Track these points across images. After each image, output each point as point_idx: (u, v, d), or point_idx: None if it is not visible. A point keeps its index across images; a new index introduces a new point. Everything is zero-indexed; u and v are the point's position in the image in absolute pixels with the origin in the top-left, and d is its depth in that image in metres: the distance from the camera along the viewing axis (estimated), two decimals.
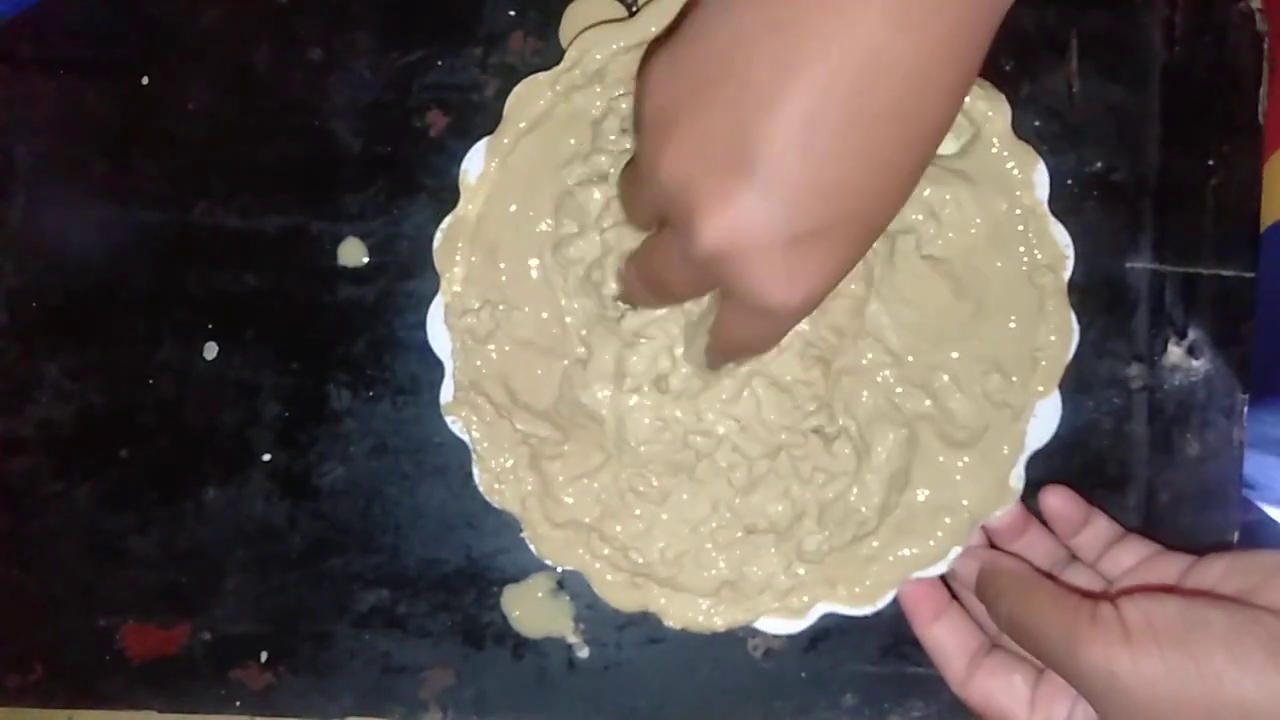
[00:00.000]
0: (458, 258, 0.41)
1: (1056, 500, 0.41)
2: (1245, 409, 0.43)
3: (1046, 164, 0.43)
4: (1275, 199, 0.43)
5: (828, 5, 0.27)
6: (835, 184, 0.28)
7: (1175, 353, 0.43)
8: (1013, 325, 0.40)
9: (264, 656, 0.44)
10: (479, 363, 0.41)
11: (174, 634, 0.44)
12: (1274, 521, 0.54)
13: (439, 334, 0.41)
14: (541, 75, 0.40)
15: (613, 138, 0.40)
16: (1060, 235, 0.40)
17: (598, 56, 0.40)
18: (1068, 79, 0.43)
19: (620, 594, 0.41)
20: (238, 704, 0.44)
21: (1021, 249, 0.40)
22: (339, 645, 0.44)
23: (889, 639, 0.43)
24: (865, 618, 0.41)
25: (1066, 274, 0.40)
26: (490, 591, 0.44)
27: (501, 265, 0.41)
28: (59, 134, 0.44)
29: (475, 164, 0.41)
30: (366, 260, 0.44)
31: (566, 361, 0.41)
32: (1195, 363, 0.43)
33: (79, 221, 0.44)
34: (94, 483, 0.44)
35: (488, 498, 0.41)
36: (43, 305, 0.44)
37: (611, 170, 0.40)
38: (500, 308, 0.41)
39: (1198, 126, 0.43)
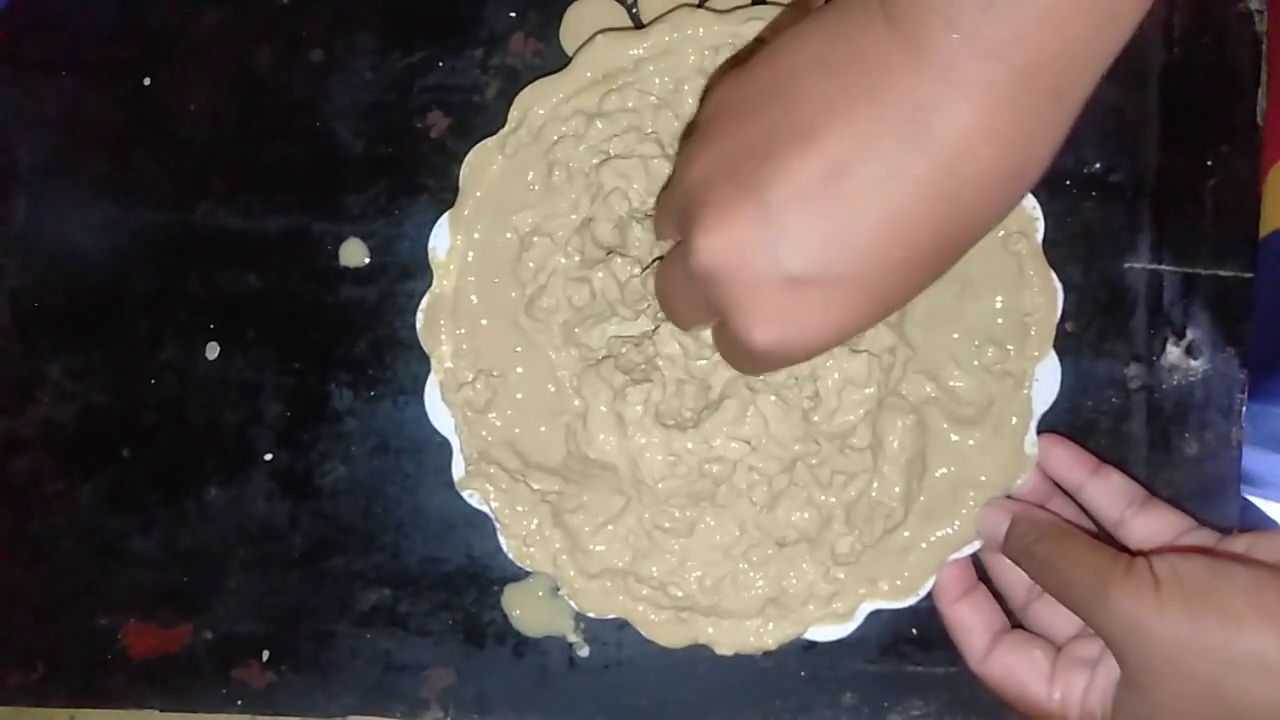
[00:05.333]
0: (442, 335, 0.41)
1: (1063, 452, 0.41)
2: (1244, 408, 0.43)
3: None
4: (1274, 208, 0.44)
5: (885, 55, 0.26)
6: (850, 234, 0.27)
7: (1174, 353, 0.43)
8: (999, 296, 0.41)
9: (265, 656, 0.44)
10: (484, 432, 0.41)
11: (176, 633, 0.44)
12: (1274, 521, 0.54)
13: (439, 412, 0.41)
14: (490, 141, 0.41)
15: (561, 187, 0.41)
16: (1025, 199, 0.41)
17: (540, 112, 0.41)
18: None
19: (667, 632, 0.41)
20: (239, 703, 0.44)
21: None
22: (340, 644, 0.44)
23: (888, 638, 0.44)
24: (905, 609, 0.41)
25: (1039, 235, 0.41)
26: (491, 590, 0.44)
27: (486, 334, 0.41)
28: (61, 135, 0.44)
29: (442, 239, 0.41)
30: (368, 261, 0.44)
31: (567, 417, 0.41)
32: (1194, 362, 0.43)
33: (81, 222, 0.44)
34: (96, 482, 0.44)
35: (520, 563, 0.41)
36: (45, 305, 0.44)
37: (570, 216, 0.41)
38: (495, 374, 0.41)
39: (1196, 127, 0.43)
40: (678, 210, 0.31)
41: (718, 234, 0.28)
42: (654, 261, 0.39)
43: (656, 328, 0.39)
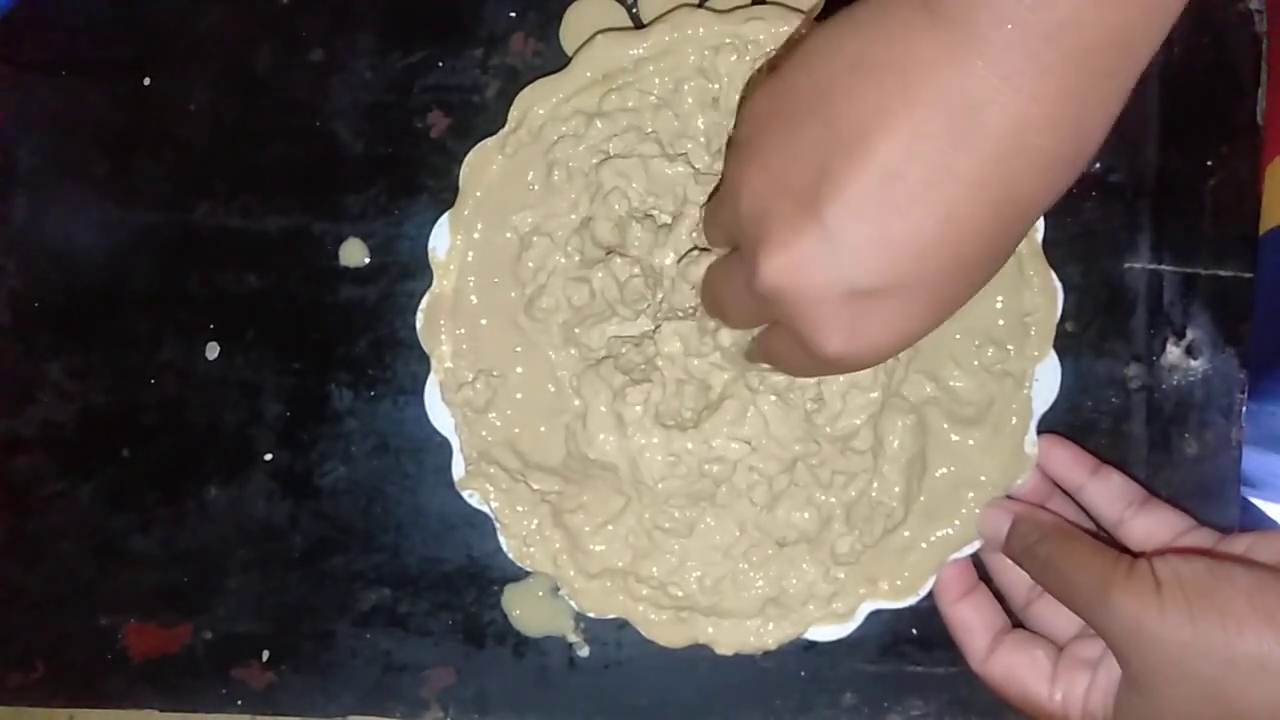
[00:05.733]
0: (442, 335, 0.41)
1: (1063, 452, 0.41)
2: (1244, 408, 0.43)
3: None
4: (1274, 204, 0.44)
5: (929, 52, 0.26)
6: (908, 241, 0.27)
7: (1174, 353, 0.43)
8: (999, 296, 0.41)
9: (265, 656, 0.44)
10: (484, 433, 0.41)
11: (176, 633, 0.44)
12: (1274, 522, 0.54)
13: (439, 412, 0.41)
14: (490, 141, 0.41)
15: (561, 186, 0.41)
16: None
17: (540, 112, 0.41)
18: None
19: (668, 632, 0.41)
20: (239, 703, 0.44)
21: None
22: (340, 644, 0.44)
23: (888, 638, 0.44)
24: (905, 609, 0.41)
25: (1039, 235, 0.41)
26: (491, 590, 0.44)
27: (486, 334, 0.41)
28: (61, 135, 0.44)
29: (442, 239, 0.41)
30: (368, 261, 0.44)
31: (567, 417, 0.41)
32: (1193, 362, 0.43)
33: (81, 222, 0.44)
34: (96, 482, 0.44)
35: (520, 563, 0.41)
36: (45, 305, 0.44)
37: (570, 216, 0.41)
38: (495, 374, 0.41)
39: (1196, 127, 0.43)
40: (731, 227, 0.31)
41: (780, 255, 0.28)
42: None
43: (657, 327, 0.39)
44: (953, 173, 0.26)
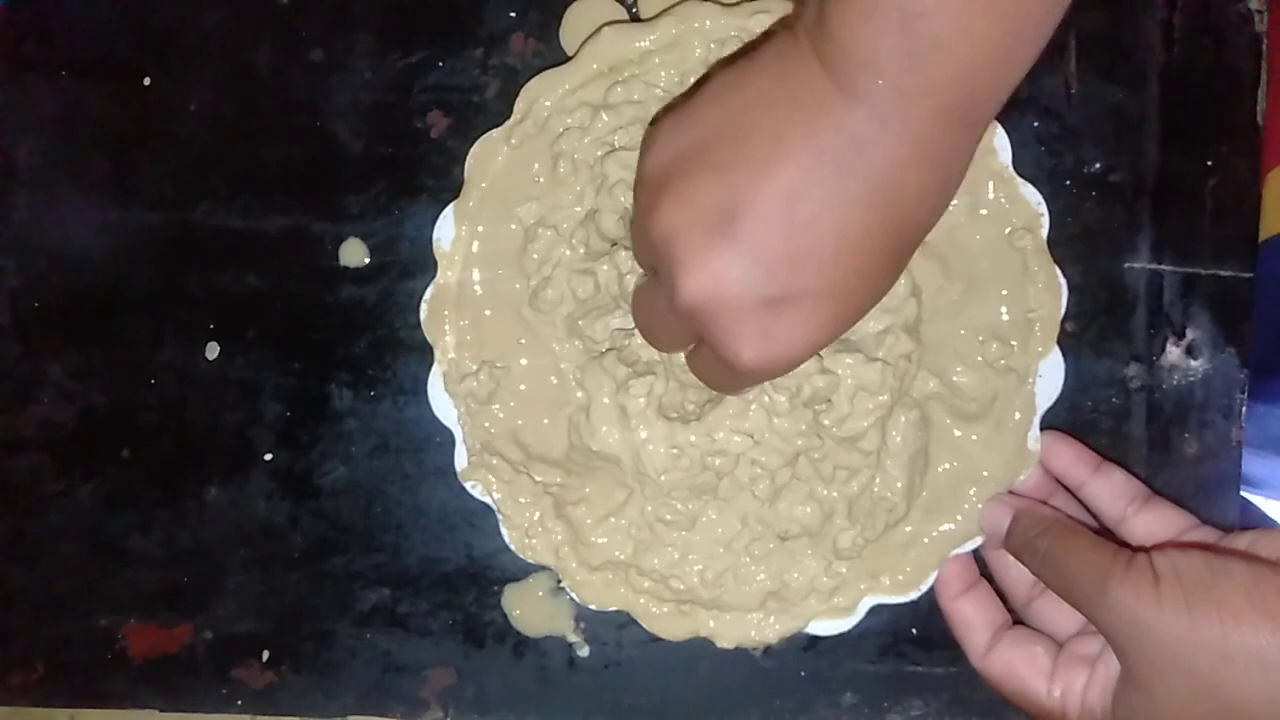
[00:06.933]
0: (446, 326, 0.41)
1: (1065, 449, 0.41)
2: (1244, 409, 0.43)
3: (1045, 165, 0.43)
4: (1275, 212, 0.44)
5: (822, 95, 0.29)
6: (809, 254, 0.30)
7: (1173, 353, 0.43)
8: (1004, 293, 0.41)
9: (265, 656, 0.44)
10: (487, 424, 0.41)
11: (176, 633, 0.44)
12: (1274, 521, 0.54)
13: (442, 403, 0.41)
14: (495, 132, 0.41)
15: (566, 179, 0.41)
16: (1031, 195, 0.41)
17: (546, 104, 0.41)
18: (1066, 80, 0.43)
19: (669, 625, 0.41)
20: (239, 703, 0.44)
21: (998, 216, 0.41)
22: (340, 644, 0.44)
23: (888, 638, 0.44)
24: (908, 603, 0.41)
25: (1044, 231, 0.41)
26: (491, 590, 0.44)
27: (490, 325, 0.41)
28: (61, 134, 0.44)
29: (446, 230, 0.41)
30: (368, 260, 0.44)
31: (570, 409, 0.41)
32: (1193, 363, 0.43)
33: (81, 222, 0.44)
34: (96, 482, 0.44)
35: (521, 555, 0.41)
36: (45, 305, 0.44)
37: (575, 209, 0.41)
38: (498, 366, 0.41)
39: (1196, 127, 0.43)
40: (649, 254, 0.32)
41: (699, 271, 0.30)
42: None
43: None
44: (845, 196, 0.29)
